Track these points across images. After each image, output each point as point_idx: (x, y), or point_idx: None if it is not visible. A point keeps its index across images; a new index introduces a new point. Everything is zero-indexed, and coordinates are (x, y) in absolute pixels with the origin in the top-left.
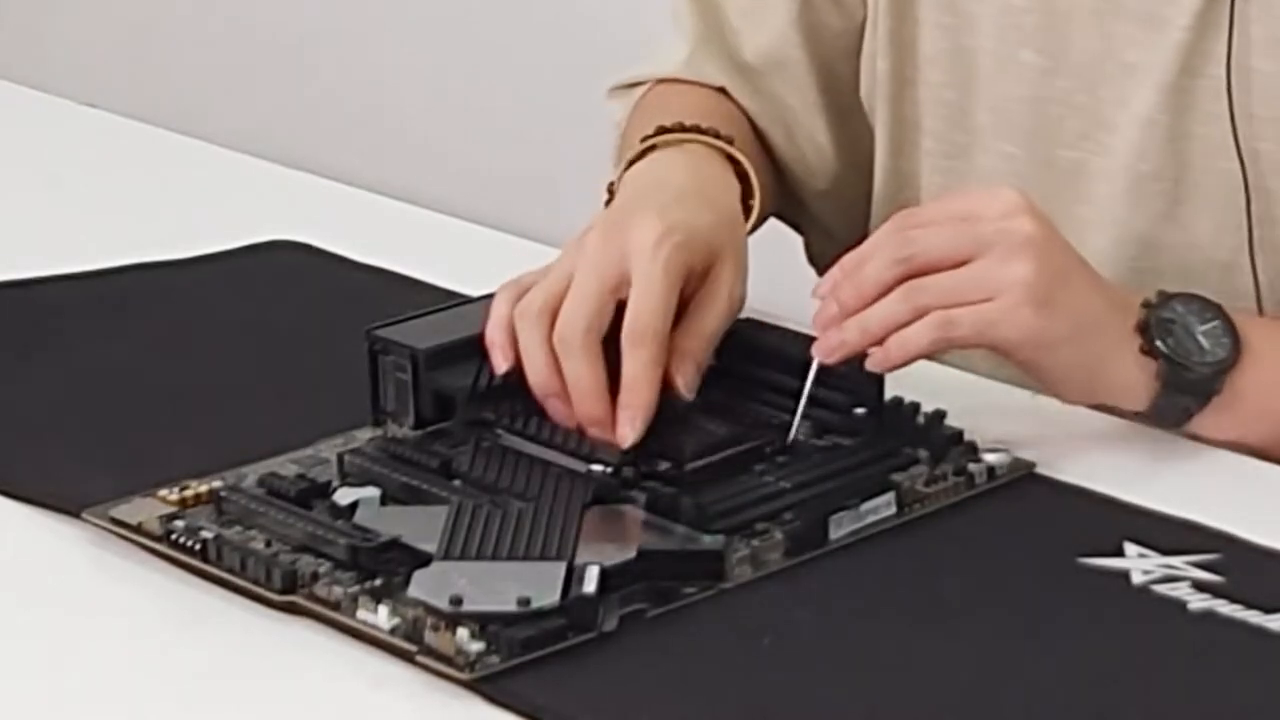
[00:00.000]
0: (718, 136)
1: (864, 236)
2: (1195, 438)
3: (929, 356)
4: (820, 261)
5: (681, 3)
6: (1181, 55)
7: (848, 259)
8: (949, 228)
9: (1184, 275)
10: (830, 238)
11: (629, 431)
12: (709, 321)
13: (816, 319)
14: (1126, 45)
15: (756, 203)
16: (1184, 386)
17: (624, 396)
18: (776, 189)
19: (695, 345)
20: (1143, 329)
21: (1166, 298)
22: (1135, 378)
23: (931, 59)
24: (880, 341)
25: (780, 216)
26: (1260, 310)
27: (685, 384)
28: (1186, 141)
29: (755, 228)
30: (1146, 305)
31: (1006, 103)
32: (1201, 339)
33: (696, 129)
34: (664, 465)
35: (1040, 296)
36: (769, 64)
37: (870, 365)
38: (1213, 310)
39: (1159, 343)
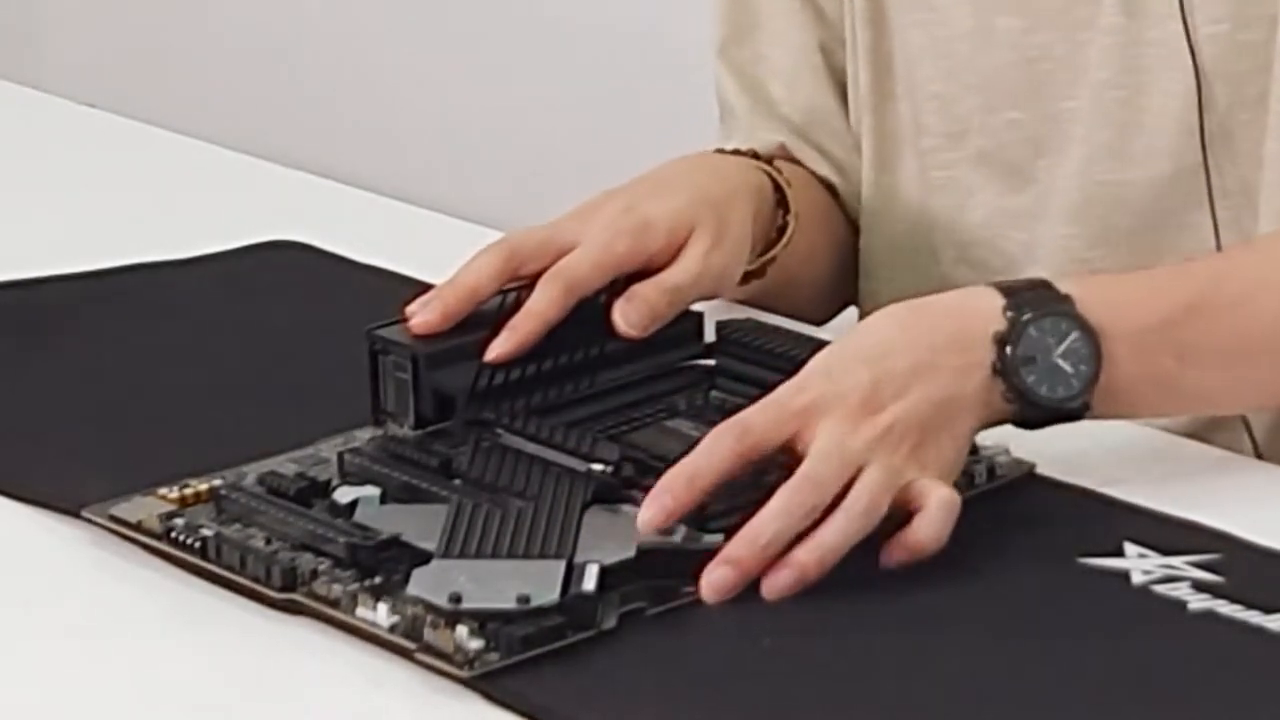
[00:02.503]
0: (755, 157)
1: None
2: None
3: None
4: (866, 302)
5: (728, 88)
6: None
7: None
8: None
9: (1147, 189)
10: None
11: (494, 351)
12: (670, 275)
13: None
14: None
15: (793, 215)
16: (1050, 422)
17: (513, 320)
18: (850, 235)
19: (649, 290)
20: (1000, 372)
21: (1015, 322)
22: (998, 417)
23: (917, 59)
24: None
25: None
26: (1214, 222)
27: (625, 319)
28: (1140, 46)
29: (846, 256)
30: (999, 341)
31: (997, 72)
32: (1062, 363)
33: (735, 152)
34: (652, 479)
35: (914, 467)
36: (810, 120)
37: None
38: (1067, 318)
39: (1022, 388)
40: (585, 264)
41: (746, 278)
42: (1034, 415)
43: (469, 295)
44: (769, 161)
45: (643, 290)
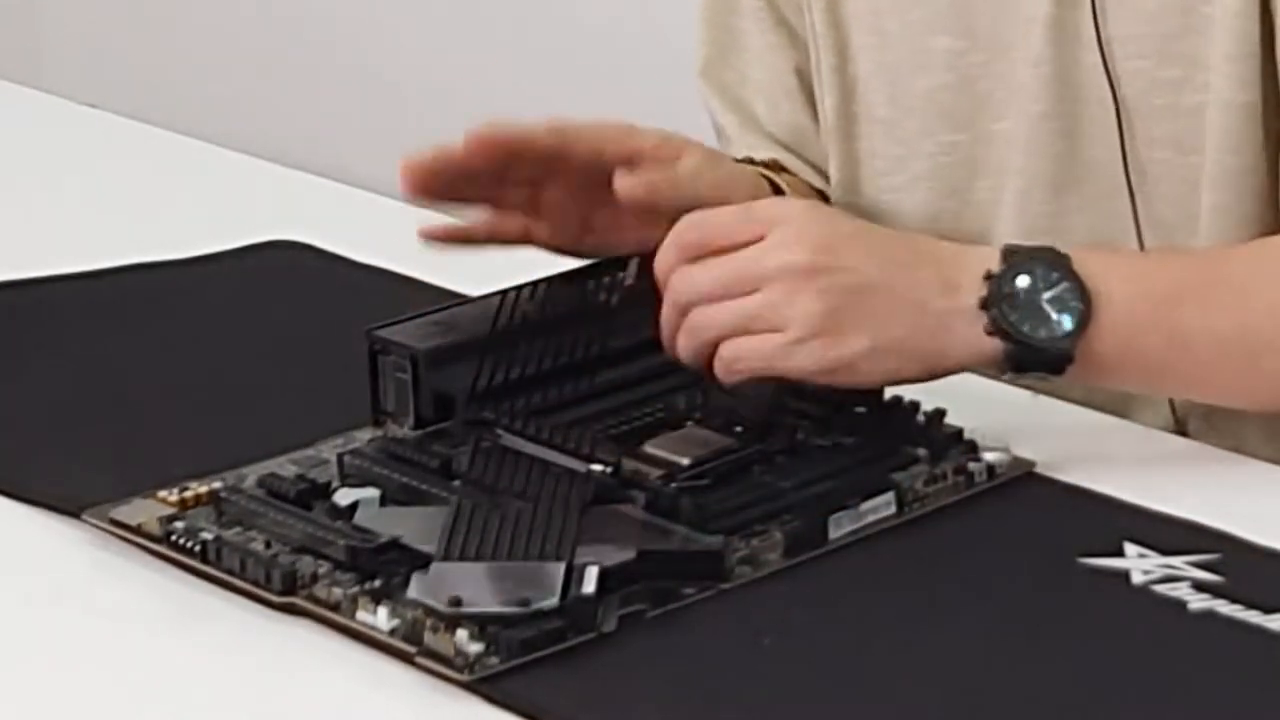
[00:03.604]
0: (751, 163)
1: None
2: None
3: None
4: None
5: (715, 107)
6: None
7: None
8: (726, 267)
9: (1082, 217)
10: None
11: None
12: (673, 163)
13: None
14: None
15: None
16: (1034, 365)
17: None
18: None
19: (651, 166)
20: (986, 305)
21: (1010, 263)
22: (982, 357)
23: (869, 82)
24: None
25: None
26: (1139, 239)
27: (623, 184)
28: (1073, 74)
29: None
30: (989, 277)
31: (932, 93)
32: (1049, 308)
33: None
34: (657, 476)
35: (828, 327)
36: (794, 138)
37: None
38: (1060, 269)
39: (1004, 324)
40: (518, 126)
41: None
42: (1017, 356)
43: (452, 155)
44: (768, 165)
45: (646, 167)
